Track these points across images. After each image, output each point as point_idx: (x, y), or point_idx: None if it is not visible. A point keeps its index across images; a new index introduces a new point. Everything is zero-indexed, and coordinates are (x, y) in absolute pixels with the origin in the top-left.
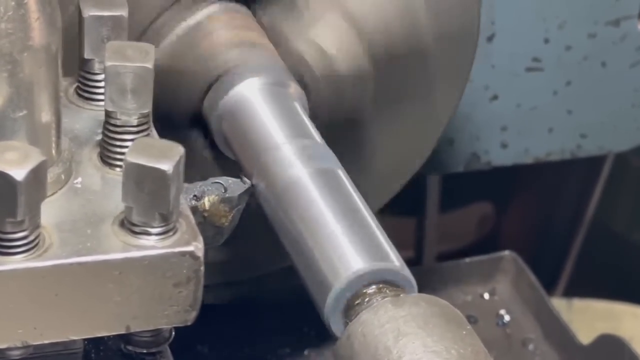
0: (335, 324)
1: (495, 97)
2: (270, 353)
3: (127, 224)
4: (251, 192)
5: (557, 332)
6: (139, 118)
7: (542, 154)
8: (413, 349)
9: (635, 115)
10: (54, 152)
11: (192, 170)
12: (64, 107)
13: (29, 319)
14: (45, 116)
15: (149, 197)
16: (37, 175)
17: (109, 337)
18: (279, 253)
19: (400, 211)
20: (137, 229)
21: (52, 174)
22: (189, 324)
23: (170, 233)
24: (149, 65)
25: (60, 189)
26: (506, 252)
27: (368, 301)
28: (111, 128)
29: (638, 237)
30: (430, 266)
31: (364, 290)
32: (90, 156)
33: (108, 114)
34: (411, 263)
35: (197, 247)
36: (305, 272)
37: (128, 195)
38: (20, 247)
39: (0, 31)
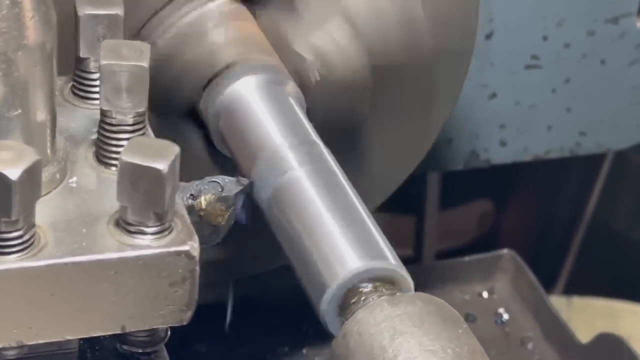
0: (331, 323)
1: (494, 95)
2: (269, 352)
3: (122, 224)
4: (248, 191)
5: (556, 331)
6: (134, 117)
7: (541, 151)
8: (409, 348)
9: (635, 113)
10: (49, 151)
11: (189, 169)
12: (60, 106)
13: (23, 319)
14: (40, 115)
15: (144, 197)
16: (32, 174)
17: (104, 336)
18: (276, 252)
19: (400, 209)
20: (132, 229)
21: (47, 173)
22: (184, 323)
23: (166, 232)
24: (145, 64)
25: (55, 188)
26: (505, 251)
27: (364, 300)
28: (106, 127)
29: (638, 235)
30: (429, 264)
31: (360, 289)
32: (85, 155)
33: (103, 113)
34: (411, 261)
35: (192, 246)
36: (301, 271)
37: (123, 195)
38: (15, 247)
39: None
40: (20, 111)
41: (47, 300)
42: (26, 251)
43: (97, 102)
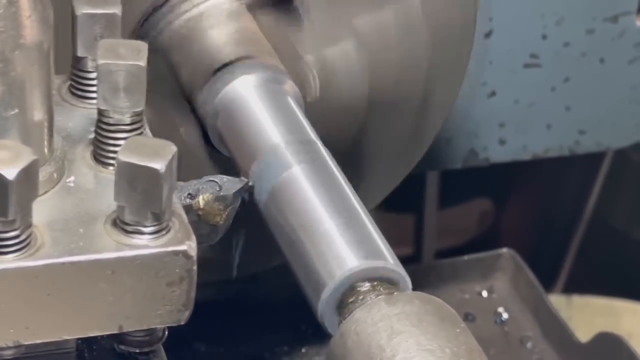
0: (329, 322)
1: (493, 94)
2: (268, 351)
3: (119, 223)
4: (246, 190)
5: (555, 330)
6: (131, 116)
7: (540, 150)
8: (406, 348)
9: (634, 112)
10: (46, 150)
11: (186, 168)
12: (57, 105)
13: (20, 319)
14: (37, 115)
15: (141, 196)
16: (29, 174)
17: (102, 336)
18: (274, 250)
19: (400, 208)
20: (129, 228)
21: (44, 173)
22: (182, 323)
23: (163, 232)
24: (142, 63)
25: (52, 187)
26: (504, 250)
27: (362, 299)
28: (104, 126)
29: (638, 233)
30: (428, 264)
31: (358, 288)
32: (83, 155)
33: (101, 113)
34: (410, 259)
35: (190, 246)
36: (299, 270)
37: (120, 194)
38: (12, 247)
39: None
40: (17, 110)
41: (44, 300)
42: (23, 251)
43: (95, 101)
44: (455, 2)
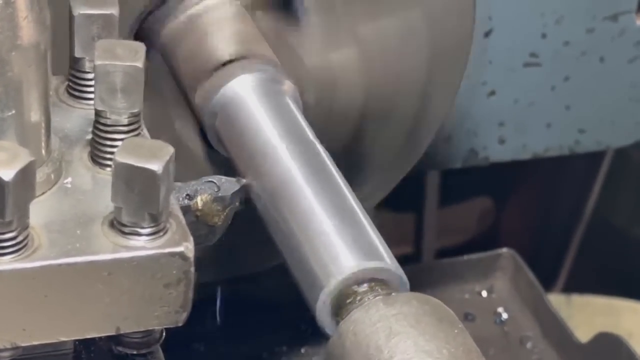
0: (327, 323)
1: (492, 93)
2: (267, 351)
3: (116, 225)
4: (244, 191)
5: (555, 330)
6: (129, 117)
7: (540, 149)
8: (404, 349)
9: (634, 111)
10: (43, 151)
11: (184, 168)
12: (55, 106)
13: (17, 320)
14: (35, 116)
15: (138, 198)
16: (26, 175)
17: (99, 338)
18: (274, 251)
19: (400, 207)
20: (126, 230)
21: (41, 174)
22: (179, 325)
23: (161, 233)
24: (139, 64)
25: (49, 188)
26: (504, 250)
27: (360, 300)
28: (101, 127)
29: (638, 232)
30: (428, 264)
31: (356, 289)
32: (80, 156)
33: (98, 113)
34: (410, 258)
35: (187, 247)
36: (297, 270)
37: (118, 196)
38: (9, 248)
39: None
40: (14, 112)
41: (41, 301)
42: (20, 252)
43: (92, 102)
44: (454, 12)
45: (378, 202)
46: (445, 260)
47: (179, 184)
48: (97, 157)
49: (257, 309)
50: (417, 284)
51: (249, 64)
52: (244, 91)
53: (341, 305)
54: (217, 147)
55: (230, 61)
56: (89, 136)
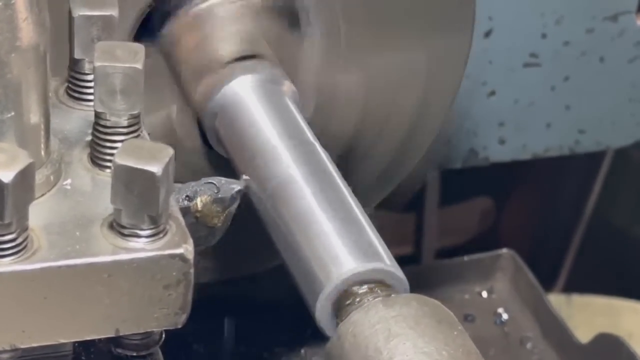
0: (326, 324)
1: (492, 93)
2: (267, 351)
3: (116, 226)
4: (244, 192)
5: (555, 331)
6: (128, 119)
7: (540, 149)
8: (404, 350)
9: (634, 111)
10: (43, 153)
11: (184, 169)
12: (54, 108)
13: (17, 322)
14: (34, 117)
15: (138, 199)
16: (25, 177)
17: (99, 339)
18: (273, 251)
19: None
20: (126, 232)
21: (40, 176)
22: (179, 326)
23: (160, 235)
24: (139, 65)
25: (49, 190)
26: (504, 250)
27: (359, 301)
28: (101, 129)
29: (638, 232)
30: (428, 264)
31: (355, 290)
32: (80, 157)
33: (98, 115)
34: (410, 259)
35: (186, 249)
36: (297, 271)
37: (117, 197)
38: (8, 250)
39: None
40: (13, 113)
41: (40, 303)
42: (19, 254)
43: (92, 103)
44: (450, 60)
45: (378, 203)
46: (445, 261)
47: (178, 185)
48: (96, 158)
49: (257, 309)
50: (417, 284)
51: (249, 65)
52: (244, 92)
53: (341, 307)
54: (217, 148)
55: (231, 61)
56: (89, 138)
